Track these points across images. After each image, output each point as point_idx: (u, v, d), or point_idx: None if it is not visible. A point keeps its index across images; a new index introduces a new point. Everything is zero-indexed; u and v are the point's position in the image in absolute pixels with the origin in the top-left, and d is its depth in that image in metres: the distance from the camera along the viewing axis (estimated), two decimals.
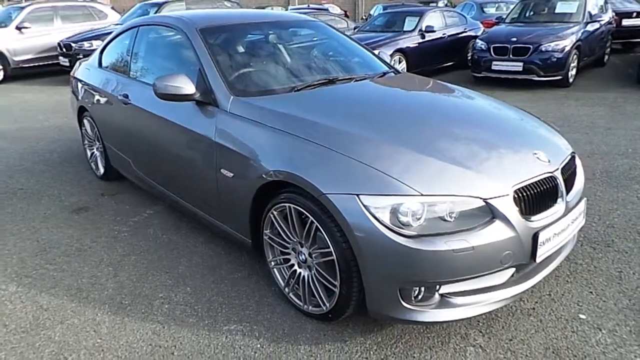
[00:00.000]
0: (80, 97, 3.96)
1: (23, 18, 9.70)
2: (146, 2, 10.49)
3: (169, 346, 2.04)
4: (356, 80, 2.85)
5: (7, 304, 2.35)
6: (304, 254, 2.13)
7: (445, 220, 1.81)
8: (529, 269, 2.06)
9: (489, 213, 1.84)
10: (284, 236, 2.19)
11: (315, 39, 3.35)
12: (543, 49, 7.37)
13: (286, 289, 2.27)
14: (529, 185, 1.94)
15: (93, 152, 4.05)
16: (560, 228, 2.02)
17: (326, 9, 13.98)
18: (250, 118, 2.32)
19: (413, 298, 1.87)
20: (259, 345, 2.04)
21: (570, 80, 7.62)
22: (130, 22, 3.54)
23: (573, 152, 2.30)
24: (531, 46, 7.42)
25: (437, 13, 9.23)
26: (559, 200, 2.04)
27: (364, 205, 1.80)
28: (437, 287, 1.88)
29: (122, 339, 2.09)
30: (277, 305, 2.30)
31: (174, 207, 3.24)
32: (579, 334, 2.05)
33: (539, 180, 1.98)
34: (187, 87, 2.47)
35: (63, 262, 2.73)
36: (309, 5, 17.28)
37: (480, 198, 1.83)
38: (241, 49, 2.90)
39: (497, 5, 12.57)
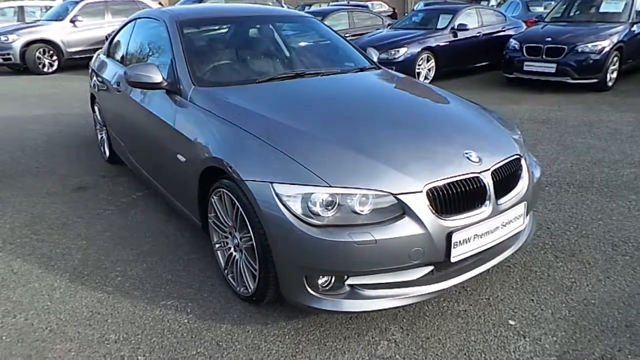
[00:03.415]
0: (91, 85, 4.28)
1: (77, 12, 10.45)
2: None
3: (107, 314, 2.22)
4: (323, 75, 2.90)
5: None
6: (237, 239, 2.23)
7: (357, 213, 1.85)
8: (453, 269, 2.04)
9: (400, 209, 1.86)
10: (222, 220, 2.30)
11: (298, 33, 3.43)
12: (579, 50, 6.98)
13: (225, 271, 2.38)
14: (447, 184, 1.92)
15: (102, 137, 4.35)
16: (483, 230, 1.98)
17: (365, 6, 13.92)
18: (203, 107, 2.45)
19: (320, 286, 1.92)
20: (185, 321, 2.16)
21: (609, 84, 7.17)
22: (133, 15, 3.78)
23: (518, 155, 2.24)
24: (566, 47, 7.05)
25: (473, 11, 8.96)
26: (486, 202, 2.00)
27: (276, 193, 1.87)
28: (345, 277, 1.91)
29: (69, 304, 2.29)
30: (218, 286, 2.42)
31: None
32: (500, 340, 2.01)
33: (461, 180, 1.95)
34: (156, 76, 2.63)
35: (45, 234, 3.00)
36: (348, 2, 17.24)
37: (391, 193, 1.85)
38: (215, 42, 3.04)
39: (545, 3, 11.97)
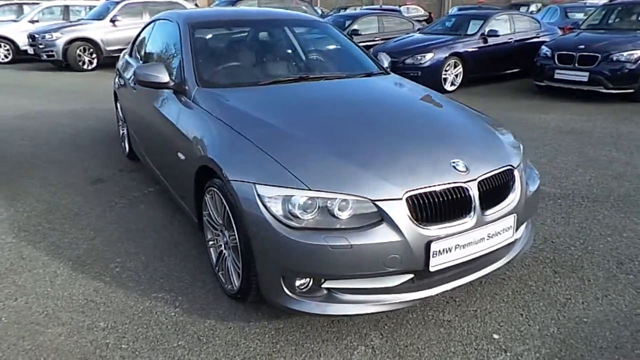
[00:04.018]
0: (114, 83, 4.46)
1: (116, 12, 10.88)
2: None
3: (100, 302, 2.32)
4: (327, 79, 2.92)
5: None
6: (226, 237, 2.28)
7: (336, 217, 1.86)
8: (436, 278, 2.02)
9: (378, 215, 1.86)
10: (214, 219, 2.36)
11: (307, 37, 3.46)
12: (614, 59, 6.72)
13: (216, 268, 2.44)
14: (428, 193, 1.91)
15: (123, 133, 4.53)
16: (466, 241, 1.95)
17: (397, 10, 13.81)
18: (203, 107, 2.52)
19: (297, 288, 1.94)
20: (172, 314, 2.23)
21: None
22: (154, 16, 3.92)
23: (510, 166, 2.18)
24: (599, 55, 6.80)
25: (505, 17, 8.75)
26: (470, 212, 1.97)
27: (258, 194, 1.91)
28: (322, 280, 1.93)
29: (67, 291, 2.40)
30: (209, 283, 2.48)
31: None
32: (480, 353, 1.98)
33: (444, 190, 1.93)
34: (163, 76, 2.73)
35: (58, 223, 3.16)
36: (380, 6, 17.15)
37: (369, 199, 1.85)
38: (224, 45, 3.12)
39: (585, 10, 11.53)
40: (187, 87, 2.73)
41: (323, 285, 1.94)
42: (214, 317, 2.21)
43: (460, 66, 8.08)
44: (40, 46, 10.55)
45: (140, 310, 2.26)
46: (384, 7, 16.65)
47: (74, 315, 2.22)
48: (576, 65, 7.01)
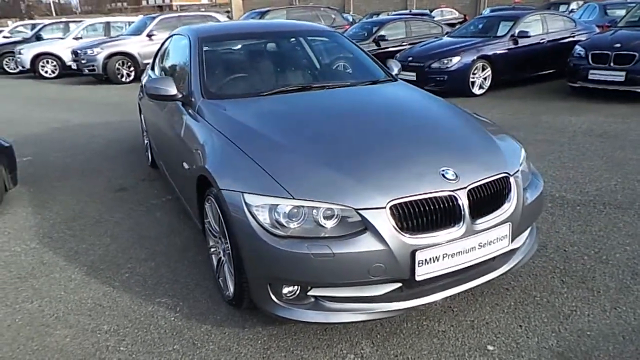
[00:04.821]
0: (138, 95, 4.66)
1: (153, 27, 11.35)
2: (253, 10, 11.45)
3: (107, 306, 2.43)
4: (329, 88, 2.95)
5: (22, 255, 2.99)
6: (223, 244, 2.34)
7: (321, 226, 1.88)
8: (426, 287, 2.00)
9: (362, 224, 1.86)
10: (213, 226, 2.43)
11: (315, 47, 3.50)
12: None
13: (217, 274, 2.51)
14: (414, 201, 1.89)
15: (147, 143, 4.72)
16: (455, 250, 1.92)
17: (427, 14, 13.63)
18: (204, 118, 2.61)
19: (284, 295, 1.97)
20: (172, 318, 2.31)
21: None
22: (172, 32, 4.09)
23: (506, 173, 2.12)
24: (637, 54, 6.46)
25: (537, 17, 8.48)
26: (459, 221, 1.94)
27: (246, 203, 1.96)
28: (308, 288, 1.95)
29: (78, 295, 2.53)
30: (210, 289, 2.55)
31: None
32: None
33: (431, 198, 1.91)
34: (171, 89, 2.85)
35: (79, 230, 3.33)
36: (410, 11, 16.97)
37: (353, 208, 1.86)
38: (231, 58, 3.22)
39: (627, 7, 10.96)
40: (193, 99, 2.83)
41: (310, 293, 1.96)
42: (211, 322, 2.27)
43: (489, 69, 7.90)
44: (82, 61, 11.15)
45: (143, 315, 2.35)
46: (414, 11, 16.48)
47: (81, 318, 2.34)
48: (612, 64, 6.69)
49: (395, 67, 3.53)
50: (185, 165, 2.66)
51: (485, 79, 7.93)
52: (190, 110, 2.83)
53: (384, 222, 1.84)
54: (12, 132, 6.47)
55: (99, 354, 2.08)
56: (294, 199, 1.89)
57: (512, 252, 2.25)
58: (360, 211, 1.85)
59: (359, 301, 1.96)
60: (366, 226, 1.85)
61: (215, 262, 2.53)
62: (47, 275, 2.75)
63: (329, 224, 1.88)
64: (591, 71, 6.93)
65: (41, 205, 3.82)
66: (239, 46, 3.32)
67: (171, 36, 3.99)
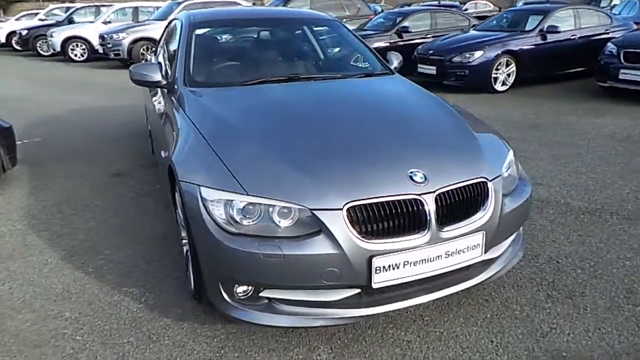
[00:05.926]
0: None
1: (178, 12, 11.38)
2: None
3: (74, 292, 2.41)
4: (316, 80, 2.83)
5: (6, 237, 3.02)
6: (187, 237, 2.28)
7: (277, 224, 1.79)
8: (386, 295, 1.88)
9: (317, 225, 1.76)
10: (180, 218, 2.37)
11: (309, 36, 3.38)
12: None
13: (185, 267, 2.45)
14: (374, 204, 1.76)
15: (149, 129, 4.72)
16: (418, 258, 1.79)
17: (457, 6, 13.17)
18: (182, 106, 2.54)
19: (236, 295, 1.89)
20: (135, 309, 2.28)
21: None
22: (171, 17, 4.04)
23: (483, 178, 1.96)
24: None
25: (569, 12, 8.04)
26: (424, 227, 1.80)
27: (202, 197, 1.88)
28: (260, 288, 1.86)
29: (50, 279, 2.53)
30: (180, 281, 2.50)
31: None
32: None
33: (394, 201, 1.78)
34: (155, 75, 2.80)
35: (67, 213, 3.35)
36: (439, 2, 16.43)
37: (307, 208, 1.76)
38: (220, 45, 3.13)
39: None
40: (175, 86, 2.76)
41: (263, 294, 1.88)
42: (172, 316, 2.22)
43: (514, 65, 7.55)
44: (109, 45, 11.34)
45: (107, 304, 2.32)
46: (443, 2, 15.98)
47: (47, 303, 2.33)
48: None
49: (395, 60, 3.37)
50: (163, 154, 2.61)
51: (509, 75, 7.60)
52: (173, 97, 2.77)
53: (339, 225, 1.73)
54: (30, 112, 6.63)
55: (53, 341, 2.06)
56: (247, 195, 1.80)
57: (491, 261, 2.10)
58: (315, 212, 1.75)
59: (315, 306, 1.86)
60: (320, 228, 1.74)
61: (184, 254, 2.48)
62: (25, 257, 2.76)
63: (285, 223, 1.78)
64: (622, 70, 6.53)
65: (38, 186, 3.87)
66: (231, 34, 3.23)
67: (171, 21, 3.94)
